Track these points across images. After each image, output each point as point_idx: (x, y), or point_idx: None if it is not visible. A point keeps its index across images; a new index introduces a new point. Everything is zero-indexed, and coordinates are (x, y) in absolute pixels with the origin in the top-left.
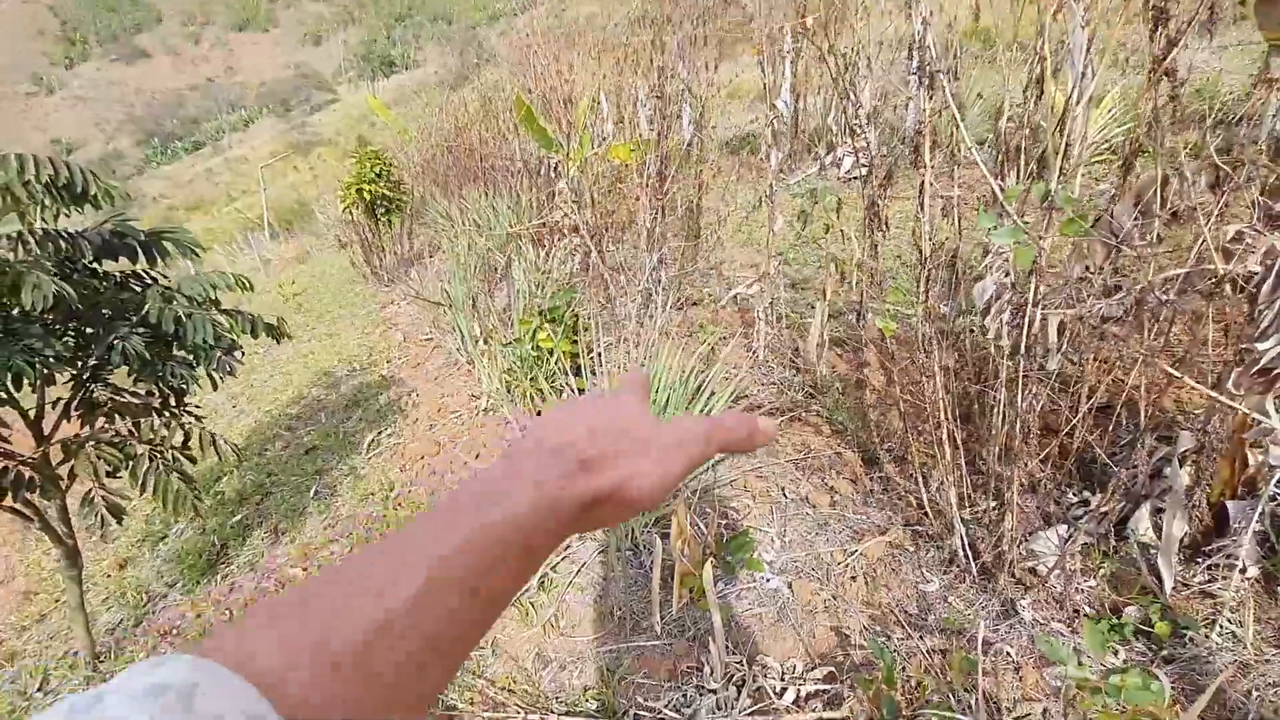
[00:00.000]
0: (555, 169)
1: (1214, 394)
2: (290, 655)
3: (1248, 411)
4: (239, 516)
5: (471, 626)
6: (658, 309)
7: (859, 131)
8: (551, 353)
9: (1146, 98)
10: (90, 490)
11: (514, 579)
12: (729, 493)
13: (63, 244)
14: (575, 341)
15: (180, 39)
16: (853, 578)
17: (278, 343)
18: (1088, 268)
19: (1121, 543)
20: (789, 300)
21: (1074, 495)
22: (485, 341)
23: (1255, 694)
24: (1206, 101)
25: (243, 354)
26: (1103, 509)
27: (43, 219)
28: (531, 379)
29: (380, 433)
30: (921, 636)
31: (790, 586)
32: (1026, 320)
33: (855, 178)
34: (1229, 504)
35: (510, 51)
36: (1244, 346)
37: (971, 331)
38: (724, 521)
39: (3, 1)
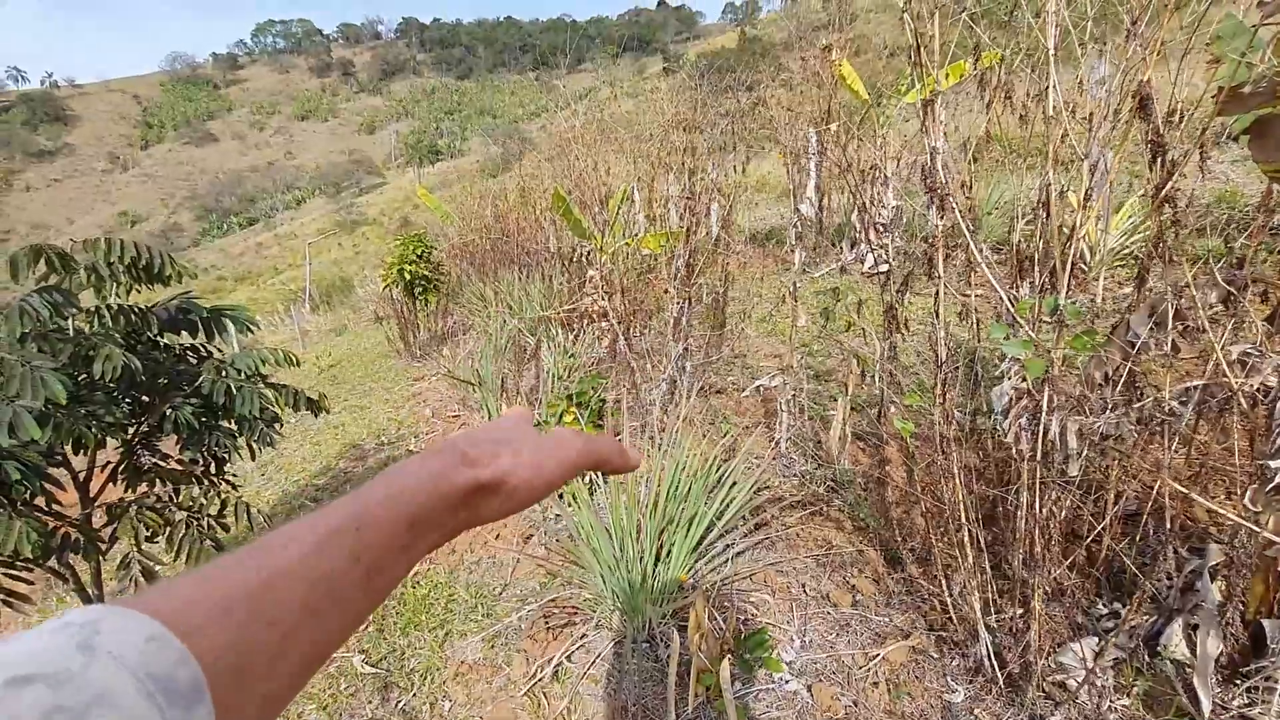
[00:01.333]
0: (588, 256)
1: (1222, 510)
2: (189, 599)
3: (1256, 528)
4: None
5: (354, 588)
6: (682, 396)
7: (881, 231)
8: None
9: (1152, 221)
10: (128, 554)
11: (398, 551)
12: (748, 586)
13: (133, 318)
14: (600, 426)
15: (247, 126)
16: (875, 684)
17: (316, 416)
18: (1107, 374)
19: (1155, 659)
20: (811, 392)
21: (1104, 605)
22: None
23: None
24: (1226, 210)
25: (282, 425)
26: (1131, 622)
27: (116, 294)
28: None
29: None
30: None
31: (810, 690)
32: (1041, 427)
33: (878, 272)
34: (1265, 622)
35: (550, 145)
36: (1260, 462)
37: (994, 434)
38: (742, 617)
39: (90, 90)
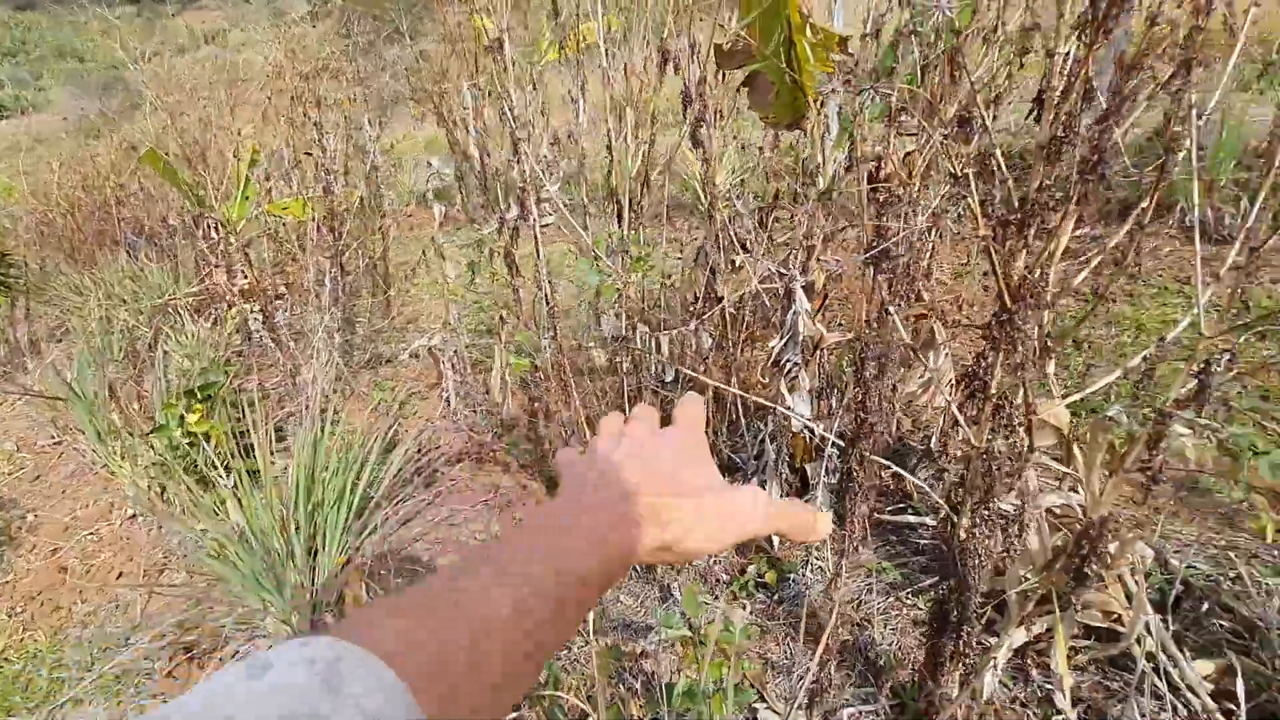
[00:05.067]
0: (218, 227)
1: (739, 392)
2: (411, 645)
3: (768, 402)
4: None
5: (552, 643)
6: (344, 372)
7: (541, 184)
8: (210, 436)
9: (697, 161)
10: None
11: (586, 605)
12: (420, 548)
13: None
14: (240, 419)
15: None
16: None
17: None
18: (696, 294)
19: None
20: (483, 347)
21: None
22: (130, 435)
23: (836, 609)
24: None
25: None
26: None
27: None
28: (189, 470)
29: None
30: (595, 638)
31: None
32: (629, 344)
33: (546, 226)
34: (807, 466)
35: (163, 97)
36: (770, 345)
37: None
38: (408, 581)
39: None
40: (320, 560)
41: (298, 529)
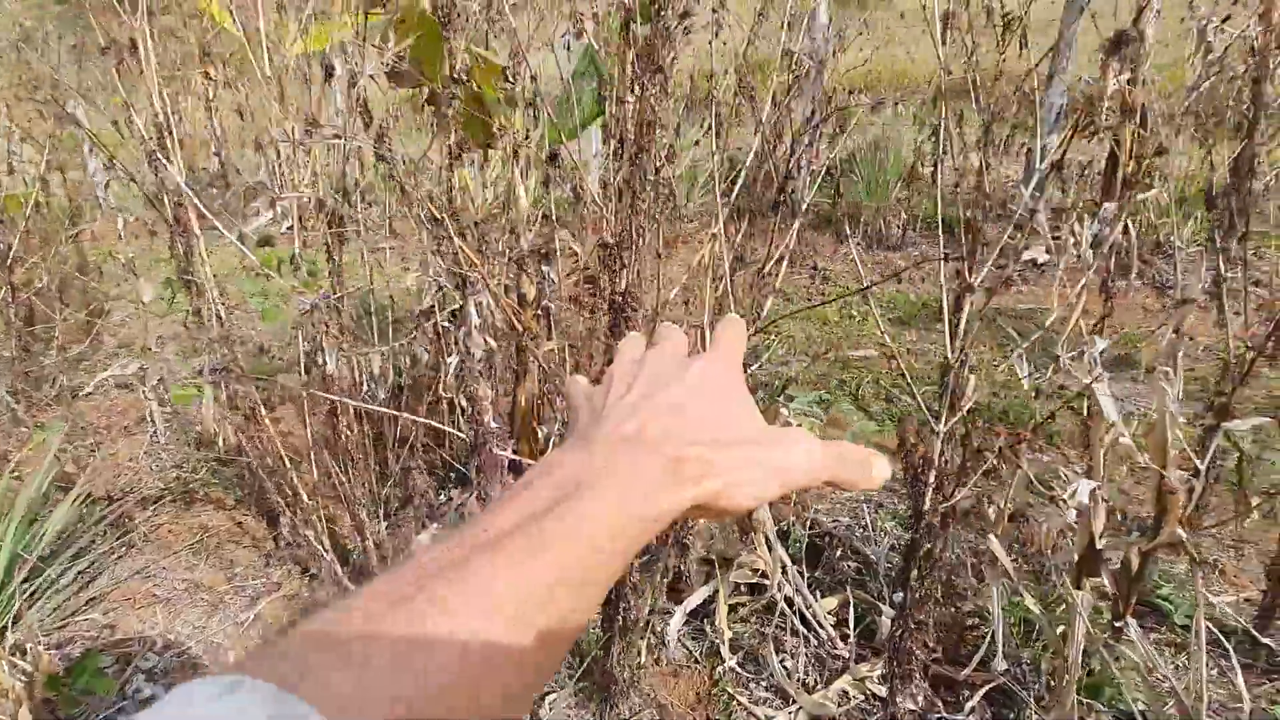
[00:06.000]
0: None
1: (430, 422)
2: (362, 701)
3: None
4: None
5: (554, 649)
6: (16, 409)
7: (296, 186)
8: None
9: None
10: None
11: (601, 593)
12: (102, 610)
13: None
14: None
15: None
16: (245, 647)
17: None
18: (432, 306)
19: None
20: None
21: (445, 496)
22: None
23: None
24: None
25: None
26: (458, 500)
27: None
28: None
29: None
30: None
31: (169, 687)
32: (322, 364)
33: (290, 228)
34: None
35: None
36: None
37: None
38: (78, 649)
39: None
40: None
41: None
